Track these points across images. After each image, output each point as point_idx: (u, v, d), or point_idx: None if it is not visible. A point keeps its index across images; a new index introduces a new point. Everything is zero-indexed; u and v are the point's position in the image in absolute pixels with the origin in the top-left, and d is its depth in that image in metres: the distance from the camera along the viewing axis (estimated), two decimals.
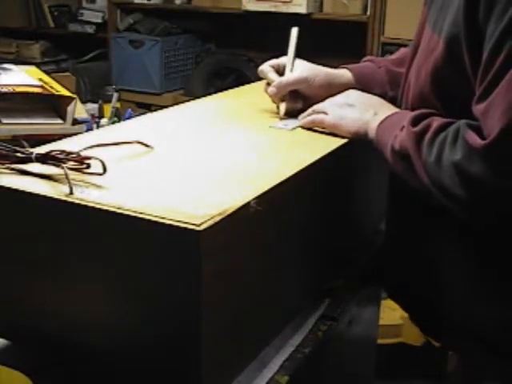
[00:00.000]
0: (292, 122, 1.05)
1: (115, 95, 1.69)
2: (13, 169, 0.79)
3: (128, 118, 1.54)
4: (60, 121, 1.37)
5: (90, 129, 1.46)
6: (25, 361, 0.79)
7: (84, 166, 0.77)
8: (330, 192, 0.94)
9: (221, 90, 1.30)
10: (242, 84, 1.37)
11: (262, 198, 0.73)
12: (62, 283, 0.76)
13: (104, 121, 1.63)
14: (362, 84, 1.12)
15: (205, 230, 0.65)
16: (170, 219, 0.66)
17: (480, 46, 0.81)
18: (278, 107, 1.10)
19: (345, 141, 0.98)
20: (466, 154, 0.79)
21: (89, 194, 0.72)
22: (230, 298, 0.72)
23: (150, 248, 0.68)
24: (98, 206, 0.70)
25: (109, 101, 1.71)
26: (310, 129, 1.03)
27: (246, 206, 0.71)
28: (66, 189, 0.73)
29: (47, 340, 0.79)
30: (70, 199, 0.72)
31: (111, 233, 0.70)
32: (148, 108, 3.10)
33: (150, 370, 0.72)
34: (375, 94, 1.09)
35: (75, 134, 1.07)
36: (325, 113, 1.02)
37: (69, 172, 0.75)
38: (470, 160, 0.79)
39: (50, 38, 3.68)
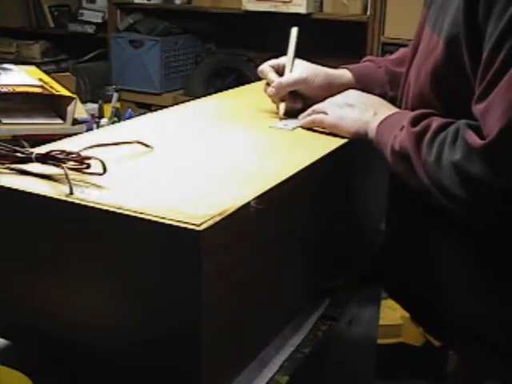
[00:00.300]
0: (292, 122, 1.05)
1: (115, 95, 1.69)
2: (13, 169, 0.79)
3: (128, 118, 1.54)
4: (60, 121, 1.37)
5: (89, 129, 1.46)
6: (25, 361, 0.79)
7: (84, 166, 0.77)
8: (330, 192, 0.94)
9: (221, 90, 1.30)
10: (242, 84, 1.37)
11: (261, 198, 0.73)
12: (62, 283, 0.76)
13: (104, 121, 1.63)
14: (362, 84, 1.12)
15: (205, 230, 0.65)
16: (170, 219, 0.66)
17: (480, 45, 0.81)
18: (277, 107, 1.10)
19: (345, 141, 0.98)
20: (465, 154, 0.79)
21: (89, 194, 0.72)
22: (229, 298, 0.72)
23: (150, 248, 0.68)
24: (98, 206, 0.70)
25: (109, 101, 1.71)
26: (309, 129, 1.03)
27: (246, 206, 0.71)
28: (66, 189, 0.73)
29: (47, 340, 0.79)
30: (70, 199, 0.72)
31: (111, 233, 0.70)
32: (148, 108, 3.10)
33: (150, 369, 0.72)
34: (375, 94, 1.09)
35: (75, 133, 1.07)
36: (325, 113, 1.02)
37: (69, 172, 0.75)
38: (469, 160, 0.79)
39: (50, 38, 3.68)
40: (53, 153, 0.80)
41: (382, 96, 1.09)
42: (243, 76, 3.12)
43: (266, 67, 1.14)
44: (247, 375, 0.79)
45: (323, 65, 1.15)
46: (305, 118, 1.05)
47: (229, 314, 0.73)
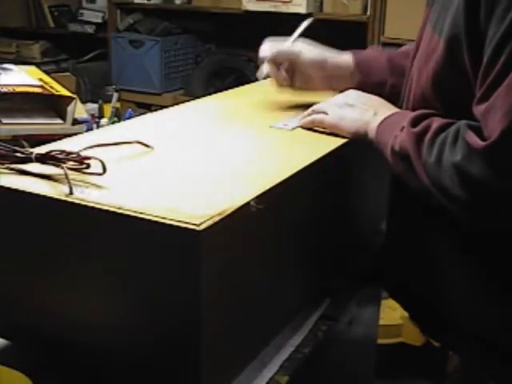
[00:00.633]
0: (292, 122, 1.05)
1: (115, 95, 1.69)
2: (13, 169, 0.79)
3: (128, 118, 1.54)
4: (60, 121, 1.37)
5: (90, 129, 1.46)
6: (25, 361, 0.79)
7: (84, 166, 0.77)
8: (330, 192, 0.94)
9: (221, 90, 1.30)
10: (242, 84, 1.37)
11: (261, 198, 0.73)
12: (62, 283, 0.76)
13: (104, 121, 1.63)
14: (362, 69, 1.13)
15: (204, 229, 0.65)
16: (170, 219, 0.66)
17: (481, 47, 0.81)
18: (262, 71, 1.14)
19: (345, 141, 0.98)
20: (466, 155, 0.79)
21: (89, 194, 0.72)
22: (229, 297, 0.72)
23: (150, 248, 0.68)
24: (98, 206, 0.70)
25: (109, 101, 1.71)
26: (309, 129, 1.03)
27: (246, 205, 0.71)
28: (66, 189, 0.73)
29: (47, 340, 0.79)
30: (69, 199, 0.72)
31: (111, 233, 0.70)
32: (148, 108, 3.10)
33: (150, 369, 0.72)
34: (375, 81, 1.09)
35: (75, 133, 1.07)
36: (325, 113, 1.02)
37: (69, 172, 0.75)
38: (470, 161, 0.79)
39: (50, 38, 3.68)
40: (53, 153, 0.80)
41: (382, 83, 1.09)
42: (243, 76, 3.12)
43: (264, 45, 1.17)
44: (247, 375, 0.79)
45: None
46: (305, 117, 1.05)
47: (229, 314, 0.73)
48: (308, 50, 1.13)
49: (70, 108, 1.36)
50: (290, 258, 0.86)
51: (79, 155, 0.79)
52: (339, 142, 0.98)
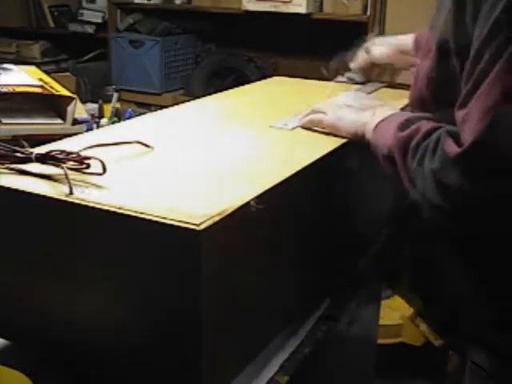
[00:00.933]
0: (292, 122, 1.05)
1: (115, 95, 1.69)
2: (13, 169, 0.79)
3: (128, 118, 1.54)
4: (60, 121, 1.37)
5: (90, 129, 1.46)
6: (25, 361, 0.79)
7: (84, 166, 0.77)
8: (330, 192, 0.94)
9: (221, 90, 1.30)
10: (242, 84, 1.37)
11: (261, 198, 0.73)
12: (62, 283, 0.76)
13: (104, 121, 1.63)
14: (416, 50, 1.21)
15: (204, 229, 0.65)
16: (170, 219, 0.66)
17: (468, 51, 0.80)
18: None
19: (344, 141, 0.98)
20: (443, 164, 0.78)
21: (89, 194, 0.72)
22: (229, 297, 0.72)
23: (150, 248, 0.68)
24: (98, 206, 0.70)
25: (109, 101, 1.71)
26: (309, 129, 1.03)
27: (246, 205, 0.71)
28: (66, 189, 0.73)
29: (47, 340, 0.79)
30: (69, 199, 0.72)
31: (111, 233, 0.70)
32: (148, 108, 3.10)
33: (150, 369, 0.72)
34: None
35: (75, 134, 1.07)
36: (324, 113, 1.03)
37: (69, 172, 0.75)
38: (446, 169, 0.78)
39: (50, 38, 3.67)
40: (53, 153, 0.80)
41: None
42: (243, 76, 3.12)
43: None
44: (247, 375, 0.79)
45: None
46: (304, 117, 1.05)
47: (229, 314, 0.73)
48: (401, 42, 1.25)
49: (69, 108, 1.36)
50: (290, 258, 0.86)
51: (79, 155, 0.79)
52: (339, 141, 0.98)
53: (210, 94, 1.30)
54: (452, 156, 0.77)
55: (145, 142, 0.88)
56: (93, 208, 0.70)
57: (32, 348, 0.82)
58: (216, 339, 0.71)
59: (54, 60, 3.65)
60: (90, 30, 3.54)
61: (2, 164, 0.80)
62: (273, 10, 2.92)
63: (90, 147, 0.82)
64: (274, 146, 0.95)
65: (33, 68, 1.56)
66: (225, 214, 0.68)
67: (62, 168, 0.76)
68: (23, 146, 1.16)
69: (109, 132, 1.06)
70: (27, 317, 0.80)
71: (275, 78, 1.48)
